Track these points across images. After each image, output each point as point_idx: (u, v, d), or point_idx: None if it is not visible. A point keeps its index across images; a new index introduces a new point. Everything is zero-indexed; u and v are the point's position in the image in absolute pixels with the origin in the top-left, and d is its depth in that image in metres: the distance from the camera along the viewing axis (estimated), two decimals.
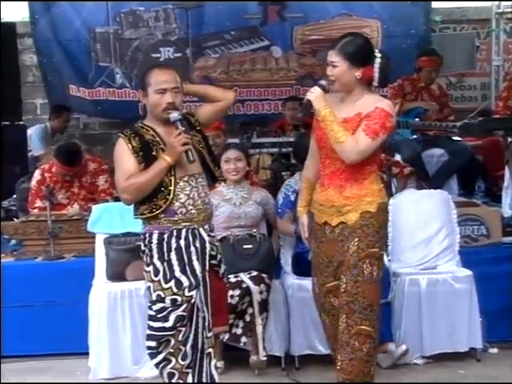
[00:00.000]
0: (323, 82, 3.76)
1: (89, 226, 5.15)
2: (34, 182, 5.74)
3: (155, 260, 3.60)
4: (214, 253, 3.70)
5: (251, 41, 8.90)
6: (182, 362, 3.61)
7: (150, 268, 3.62)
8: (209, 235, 3.69)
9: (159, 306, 3.58)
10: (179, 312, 3.57)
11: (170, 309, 3.57)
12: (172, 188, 3.58)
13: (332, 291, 3.78)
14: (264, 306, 4.55)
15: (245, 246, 4.67)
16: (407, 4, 8.71)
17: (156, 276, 3.60)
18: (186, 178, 3.62)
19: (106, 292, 4.70)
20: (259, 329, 4.52)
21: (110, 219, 5.11)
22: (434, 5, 9.11)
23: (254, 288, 4.51)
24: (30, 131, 7.77)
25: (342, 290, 3.66)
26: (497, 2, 9.21)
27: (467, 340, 4.74)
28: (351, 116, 3.67)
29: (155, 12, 8.78)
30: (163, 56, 8.76)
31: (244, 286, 4.51)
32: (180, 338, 3.59)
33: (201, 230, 3.65)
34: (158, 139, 3.64)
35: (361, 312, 3.64)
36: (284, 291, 4.73)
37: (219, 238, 4.72)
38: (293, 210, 4.81)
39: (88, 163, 5.86)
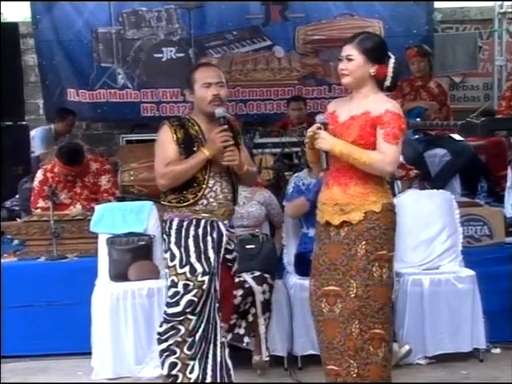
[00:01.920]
0: (322, 118, 3.71)
1: (91, 226, 5.15)
2: (36, 182, 5.75)
3: (172, 245, 3.72)
4: (230, 247, 3.81)
5: (253, 41, 8.91)
6: (188, 352, 3.67)
7: (168, 254, 3.74)
8: (228, 230, 3.80)
9: (172, 291, 3.69)
10: (190, 296, 3.65)
11: (182, 293, 3.66)
12: (204, 186, 3.72)
13: (327, 296, 3.66)
14: (267, 306, 4.55)
15: (247, 246, 4.67)
16: (409, 4, 8.72)
17: (172, 261, 3.71)
18: (212, 173, 3.75)
19: (109, 292, 4.70)
20: (262, 329, 4.52)
21: (113, 219, 5.11)
22: (437, 5, 9.12)
23: (257, 288, 4.51)
24: (33, 132, 7.77)
25: (353, 296, 3.59)
26: (499, 2, 9.21)
27: (470, 340, 4.73)
28: (358, 114, 3.66)
29: (157, 12, 8.79)
30: (165, 56, 8.77)
31: (247, 286, 4.51)
32: (190, 327, 3.66)
33: (220, 223, 3.76)
34: (201, 136, 3.77)
35: (373, 316, 3.60)
36: (287, 291, 4.73)
37: None
38: (302, 195, 4.80)
39: (90, 163, 5.86)
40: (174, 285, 3.69)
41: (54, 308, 5.06)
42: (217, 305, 3.72)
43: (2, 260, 5.32)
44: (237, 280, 4.50)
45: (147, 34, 8.84)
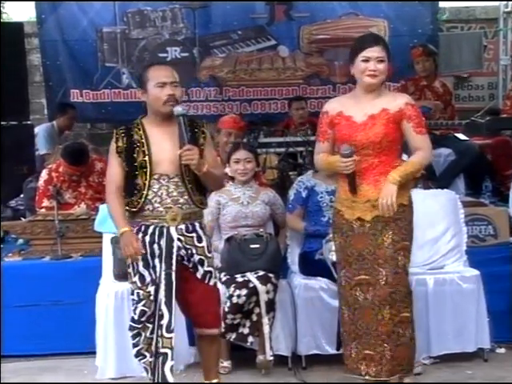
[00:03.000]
0: (348, 151, 3.78)
1: (96, 226, 5.16)
2: (41, 182, 5.76)
3: None
4: (185, 253, 3.71)
5: (258, 40, 8.91)
6: (150, 359, 3.70)
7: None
8: (183, 235, 3.70)
9: (131, 297, 3.75)
10: (141, 306, 3.69)
11: (136, 302, 3.71)
12: (144, 192, 3.67)
13: (360, 285, 3.86)
14: (271, 305, 4.54)
15: (252, 246, 4.67)
16: (414, 3, 8.71)
17: (128, 268, 3.74)
18: (156, 176, 3.68)
19: (113, 291, 4.70)
20: (266, 328, 4.52)
21: None
22: (442, 4, 9.11)
23: (261, 288, 4.51)
24: (36, 130, 7.78)
25: (383, 283, 3.80)
26: (504, 2, 9.18)
27: (475, 340, 4.72)
28: (377, 112, 3.84)
29: (162, 12, 8.80)
30: (170, 56, 8.77)
31: (251, 285, 4.51)
32: (148, 334, 3.70)
33: (171, 228, 3.67)
34: (143, 141, 3.71)
35: (402, 301, 3.84)
36: (291, 291, 4.73)
37: (226, 237, 4.74)
38: (303, 206, 4.86)
39: (95, 163, 5.87)
40: (132, 293, 3.75)
41: (58, 307, 5.06)
42: (161, 312, 3.62)
43: (7, 259, 5.34)
44: (241, 279, 4.53)
45: (152, 34, 8.84)
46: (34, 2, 8.86)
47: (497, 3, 9.37)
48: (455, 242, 5.01)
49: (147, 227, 3.68)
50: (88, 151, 5.91)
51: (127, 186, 3.72)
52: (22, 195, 6.44)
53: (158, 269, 3.65)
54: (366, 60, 3.82)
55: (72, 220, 5.36)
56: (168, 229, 3.67)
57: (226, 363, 4.63)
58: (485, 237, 5.29)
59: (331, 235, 4.53)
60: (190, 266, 3.75)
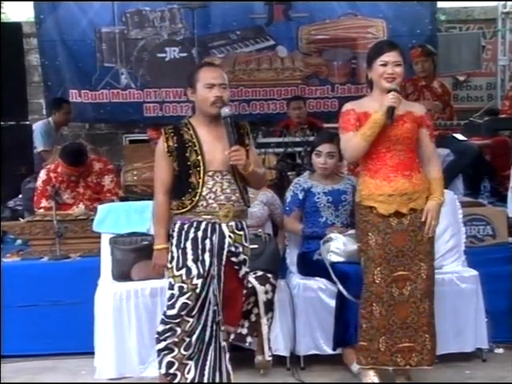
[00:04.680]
0: (394, 86, 4.01)
1: (94, 226, 5.16)
2: (39, 182, 5.75)
3: (173, 247, 3.72)
4: (236, 250, 3.73)
5: (257, 40, 8.91)
6: (184, 352, 3.67)
7: (169, 256, 3.74)
8: (233, 232, 3.73)
9: (169, 293, 3.70)
10: (184, 299, 3.64)
11: (177, 295, 3.66)
12: (199, 190, 3.68)
13: (396, 281, 4.06)
14: (269, 306, 4.55)
15: (250, 246, 4.65)
16: (413, 4, 8.73)
17: (171, 263, 3.71)
18: (210, 173, 3.71)
19: (112, 292, 4.70)
20: (265, 329, 4.52)
21: (116, 219, 5.11)
22: (440, 4, 9.11)
23: (260, 288, 4.51)
24: (33, 127, 7.77)
25: (425, 277, 4.07)
26: (503, 2, 9.21)
27: (473, 340, 4.73)
28: (402, 113, 4.06)
29: (161, 12, 8.81)
30: (169, 56, 8.78)
31: (249, 285, 4.50)
32: (186, 328, 3.66)
33: (223, 225, 3.70)
34: (194, 140, 3.73)
35: (434, 293, 4.14)
36: (289, 291, 4.73)
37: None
38: (300, 208, 4.84)
39: (93, 163, 5.87)
40: (171, 287, 3.70)
41: (57, 308, 5.06)
42: (215, 308, 3.69)
43: (5, 260, 5.34)
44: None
45: (151, 34, 8.85)
46: (32, 2, 8.85)
47: (495, 4, 9.39)
48: (454, 242, 5.02)
49: (199, 223, 3.69)
50: (86, 151, 5.91)
51: (179, 185, 3.73)
52: (20, 195, 6.44)
53: (207, 263, 3.67)
54: (384, 64, 4.01)
55: (70, 220, 5.36)
56: (220, 225, 3.70)
57: None
58: (483, 237, 5.29)
59: (332, 235, 4.56)
60: (236, 262, 3.77)
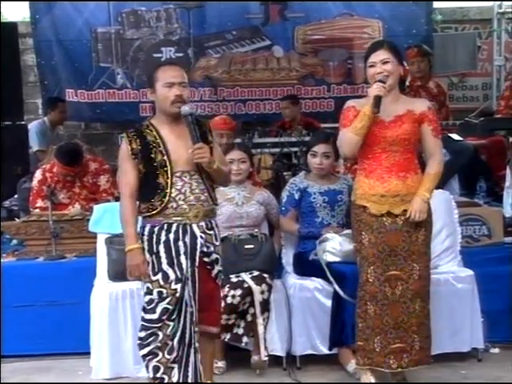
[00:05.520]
0: (382, 77, 3.96)
1: (90, 226, 5.15)
2: (35, 182, 5.75)
3: (145, 252, 3.69)
4: (206, 250, 3.72)
5: (253, 41, 8.91)
6: (168, 356, 3.67)
7: None
8: (204, 232, 3.72)
9: (148, 297, 3.68)
10: (164, 304, 3.64)
11: (157, 301, 3.65)
12: (168, 191, 3.66)
13: (389, 280, 4.03)
14: (265, 306, 4.55)
15: (246, 246, 4.67)
16: (409, 4, 8.73)
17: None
18: (178, 174, 3.69)
19: (108, 292, 4.69)
20: (261, 329, 4.52)
21: (112, 219, 5.08)
22: (436, 5, 9.12)
23: (256, 288, 4.51)
24: (28, 127, 7.76)
25: (417, 277, 4.05)
26: (498, 2, 9.22)
27: (469, 340, 4.73)
28: (403, 113, 4.04)
29: (157, 12, 8.80)
30: (165, 56, 8.76)
31: (245, 285, 4.51)
32: (168, 332, 3.66)
33: (193, 225, 3.69)
34: (158, 141, 3.71)
35: (428, 294, 4.12)
36: (285, 291, 4.72)
37: (221, 237, 4.73)
38: (296, 208, 4.84)
39: (89, 163, 5.86)
40: (149, 292, 3.68)
41: (53, 308, 5.04)
42: (191, 309, 3.67)
43: (1, 260, 5.32)
44: (235, 280, 4.53)
45: (146, 34, 8.84)
46: (28, 2, 8.84)
47: (491, 4, 9.40)
48: (449, 242, 5.02)
49: (170, 225, 3.67)
50: (82, 152, 5.90)
51: (147, 187, 3.70)
52: (16, 195, 6.43)
53: (184, 266, 3.66)
54: (372, 65, 4.01)
55: (66, 220, 5.35)
56: (191, 226, 3.69)
57: (221, 363, 4.63)
58: (479, 237, 5.29)
59: (328, 235, 4.56)
60: (209, 262, 3.77)
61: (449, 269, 4.90)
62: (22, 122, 7.25)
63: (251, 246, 4.68)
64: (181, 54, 8.81)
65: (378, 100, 3.92)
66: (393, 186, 4.03)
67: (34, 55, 8.85)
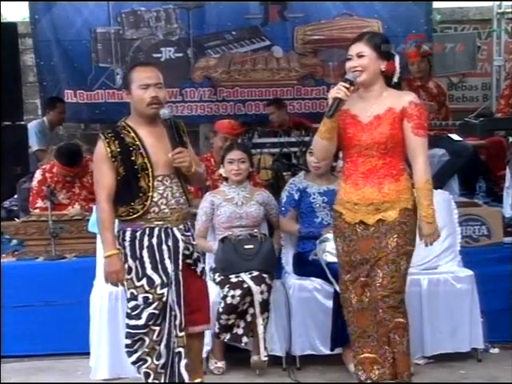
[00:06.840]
0: (350, 76, 3.70)
1: (90, 227, 5.15)
2: (35, 182, 5.75)
3: (128, 258, 3.65)
4: (188, 252, 3.72)
5: (252, 41, 8.90)
6: (157, 362, 3.65)
7: (125, 266, 3.66)
8: (183, 234, 3.71)
9: (133, 303, 3.64)
10: (151, 310, 3.61)
11: (142, 306, 3.62)
12: (150, 194, 3.63)
13: (356, 288, 3.81)
14: (265, 306, 4.55)
15: (246, 246, 4.67)
16: (408, 4, 8.71)
17: (129, 274, 3.65)
18: (160, 178, 3.66)
19: (107, 292, 4.69)
20: (260, 329, 4.52)
21: None
22: (435, 5, 9.11)
23: (255, 288, 4.51)
24: (27, 126, 7.76)
25: (378, 285, 3.72)
26: (498, 2, 9.21)
27: (468, 340, 4.73)
28: (383, 112, 3.73)
29: (156, 12, 8.78)
30: (164, 56, 8.76)
31: (245, 286, 4.51)
32: (155, 337, 3.63)
33: (174, 229, 3.67)
34: (138, 143, 3.67)
35: (396, 306, 3.73)
36: (285, 291, 4.72)
37: (220, 238, 4.74)
38: (296, 208, 4.84)
39: (89, 163, 5.84)
40: (133, 298, 3.64)
41: (52, 308, 5.05)
42: (174, 313, 3.63)
43: (1, 260, 5.32)
44: (235, 280, 4.53)
45: (146, 34, 8.83)
46: (27, 3, 8.84)
47: (490, 4, 9.40)
48: (449, 242, 5.01)
49: (152, 229, 3.64)
50: (82, 152, 5.91)
51: (127, 190, 3.65)
52: (15, 196, 6.43)
53: (169, 270, 3.63)
54: (349, 58, 3.78)
55: (66, 221, 5.35)
56: (172, 229, 3.67)
57: (220, 363, 4.64)
58: (478, 237, 5.29)
59: (327, 236, 4.55)
60: (192, 263, 3.76)
61: (448, 269, 4.91)
62: (22, 122, 7.26)
63: (251, 247, 4.68)
64: (180, 54, 8.80)
65: (336, 103, 3.66)
66: (367, 193, 3.74)
67: (34, 55, 8.84)
